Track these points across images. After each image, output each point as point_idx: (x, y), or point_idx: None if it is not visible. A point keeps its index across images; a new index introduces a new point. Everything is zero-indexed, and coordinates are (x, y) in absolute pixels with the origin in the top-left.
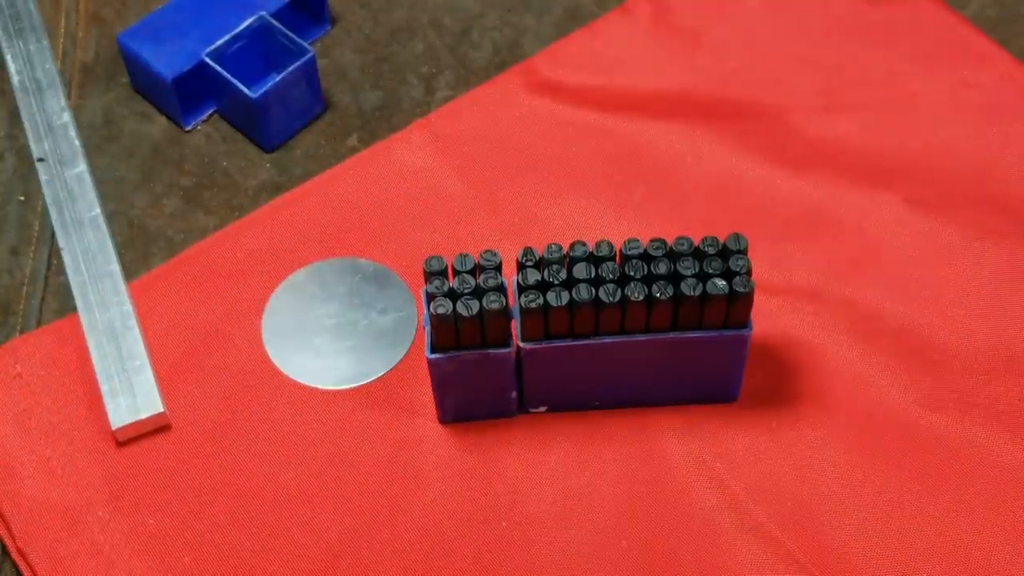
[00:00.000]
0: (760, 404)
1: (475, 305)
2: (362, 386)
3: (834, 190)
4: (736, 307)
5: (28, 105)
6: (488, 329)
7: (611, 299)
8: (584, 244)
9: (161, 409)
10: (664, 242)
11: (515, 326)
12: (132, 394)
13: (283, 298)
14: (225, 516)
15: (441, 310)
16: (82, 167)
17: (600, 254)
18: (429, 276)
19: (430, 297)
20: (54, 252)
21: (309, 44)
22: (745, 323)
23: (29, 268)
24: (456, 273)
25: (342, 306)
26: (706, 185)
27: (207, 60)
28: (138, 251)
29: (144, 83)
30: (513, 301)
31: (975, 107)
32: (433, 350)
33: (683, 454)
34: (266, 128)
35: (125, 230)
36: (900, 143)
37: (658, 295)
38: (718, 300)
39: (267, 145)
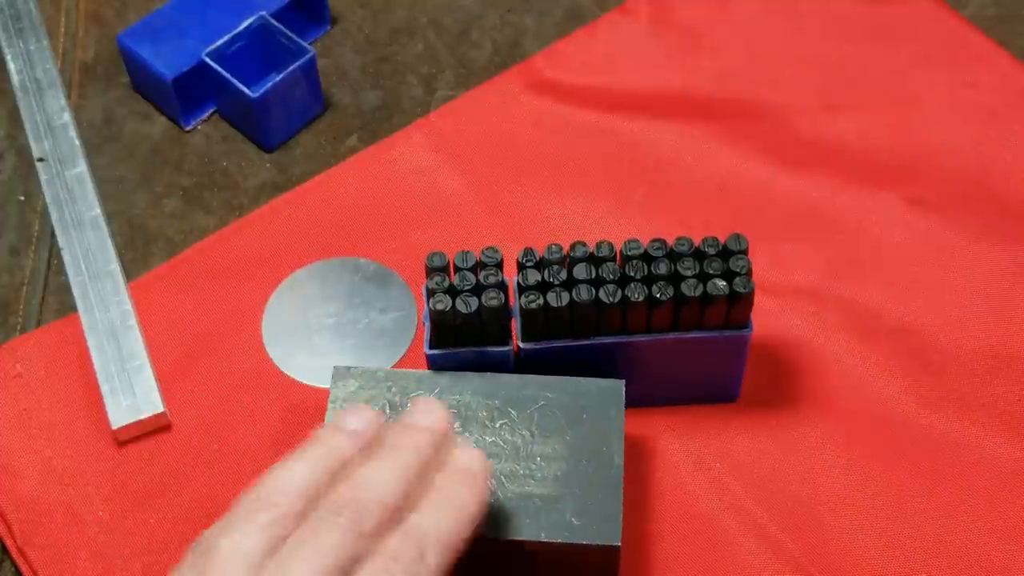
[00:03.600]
0: (760, 404)
1: (474, 302)
2: None
3: (834, 190)
4: (736, 307)
5: (28, 105)
6: (487, 327)
7: (611, 300)
8: (584, 244)
9: (161, 409)
10: (664, 243)
11: (515, 326)
12: (132, 394)
13: (283, 298)
14: None
15: (440, 306)
16: (82, 167)
17: (600, 254)
18: (430, 272)
19: (430, 293)
20: (54, 252)
21: (309, 44)
22: (745, 323)
23: (29, 268)
24: (457, 270)
25: (342, 305)
26: (706, 185)
27: (207, 60)
28: (138, 251)
29: (144, 83)
30: (514, 301)
31: (975, 107)
32: (432, 347)
33: (683, 454)
34: (266, 128)
35: (125, 230)
36: (900, 143)
37: (658, 296)
38: (719, 301)
39: (267, 145)
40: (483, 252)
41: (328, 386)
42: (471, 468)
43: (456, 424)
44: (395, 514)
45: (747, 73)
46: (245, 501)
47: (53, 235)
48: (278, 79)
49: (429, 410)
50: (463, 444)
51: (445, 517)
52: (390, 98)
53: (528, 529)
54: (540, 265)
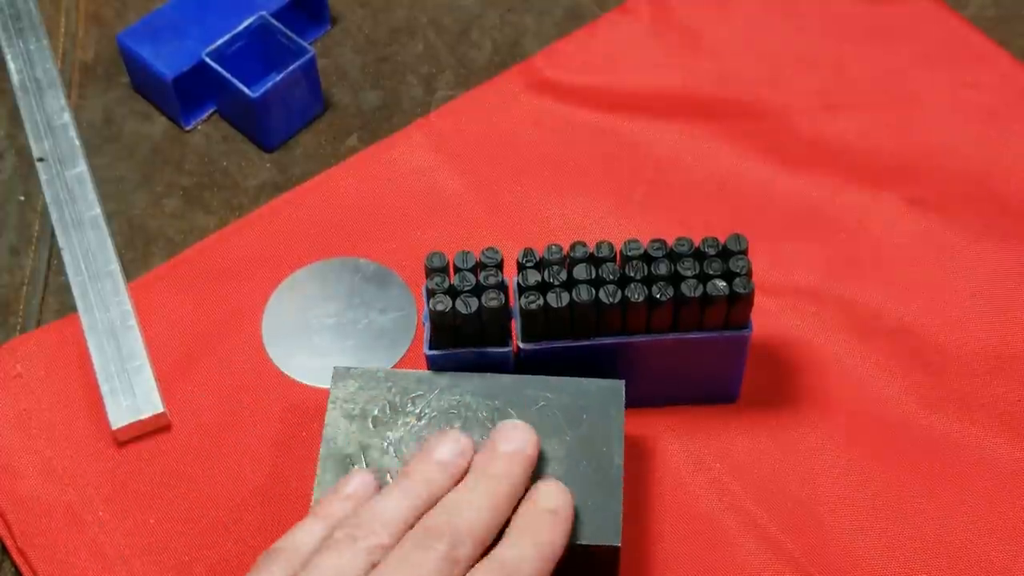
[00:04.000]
0: (760, 404)
1: (474, 303)
2: None
3: (834, 190)
4: (736, 308)
5: (28, 105)
6: (487, 327)
7: (611, 300)
8: (584, 245)
9: (161, 409)
10: (664, 243)
11: (515, 326)
12: (132, 394)
13: (283, 298)
14: (225, 516)
15: (440, 307)
16: (82, 167)
17: (600, 255)
18: (430, 272)
19: (430, 293)
20: (54, 252)
21: (309, 44)
22: (745, 324)
23: (29, 268)
24: (457, 270)
25: (342, 306)
26: (706, 185)
27: (207, 60)
28: (138, 251)
29: (144, 83)
30: (514, 301)
31: (975, 107)
32: (432, 347)
33: (683, 454)
34: (266, 128)
35: (125, 230)
36: (900, 143)
37: (658, 296)
38: (719, 301)
39: (267, 145)
40: (483, 252)
41: (328, 386)
42: (554, 506)
43: (456, 424)
44: (486, 542)
45: (747, 73)
46: (347, 526)
47: (53, 235)
48: (278, 79)
49: (517, 433)
50: (546, 479)
51: (532, 555)
52: (390, 98)
53: None
54: (540, 265)
